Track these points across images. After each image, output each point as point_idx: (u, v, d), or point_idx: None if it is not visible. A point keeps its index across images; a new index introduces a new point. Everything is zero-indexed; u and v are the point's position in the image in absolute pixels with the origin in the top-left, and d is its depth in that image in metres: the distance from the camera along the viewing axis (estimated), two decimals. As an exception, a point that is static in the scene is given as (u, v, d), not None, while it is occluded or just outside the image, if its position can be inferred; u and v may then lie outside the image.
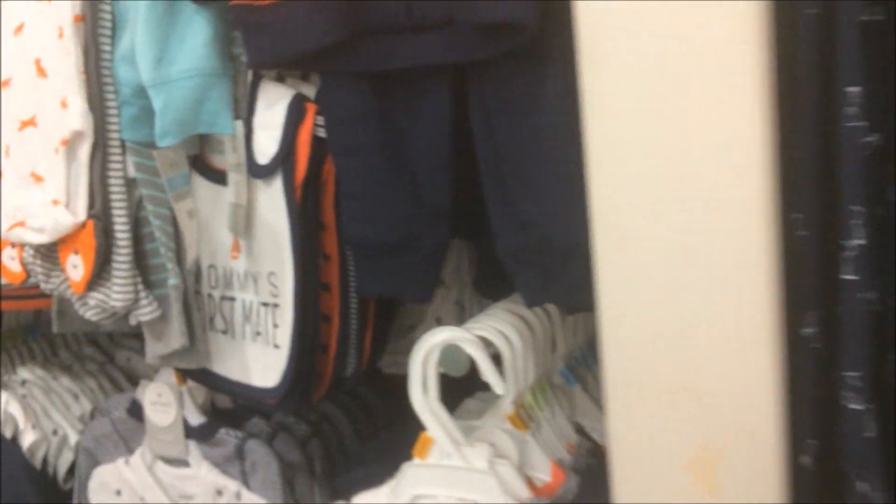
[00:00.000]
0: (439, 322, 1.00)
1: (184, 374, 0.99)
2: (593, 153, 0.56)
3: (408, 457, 0.89)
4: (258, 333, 0.88)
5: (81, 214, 0.87)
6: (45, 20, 0.87)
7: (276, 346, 0.86)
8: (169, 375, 1.08)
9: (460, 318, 1.00)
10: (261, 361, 0.88)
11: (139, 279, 0.89)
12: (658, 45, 0.53)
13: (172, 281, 0.88)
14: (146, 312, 0.89)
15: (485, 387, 0.98)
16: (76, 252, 0.89)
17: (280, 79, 0.85)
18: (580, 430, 0.90)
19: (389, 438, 0.97)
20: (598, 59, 0.55)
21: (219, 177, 0.89)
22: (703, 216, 0.53)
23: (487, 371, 0.77)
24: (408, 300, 0.87)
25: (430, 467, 0.80)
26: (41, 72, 0.89)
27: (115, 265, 0.87)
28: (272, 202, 0.82)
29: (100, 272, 0.88)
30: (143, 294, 0.89)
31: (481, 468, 0.78)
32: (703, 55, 0.52)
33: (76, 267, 0.89)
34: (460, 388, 0.94)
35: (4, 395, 1.23)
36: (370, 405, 1.16)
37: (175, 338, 0.89)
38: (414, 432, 0.96)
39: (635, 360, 0.56)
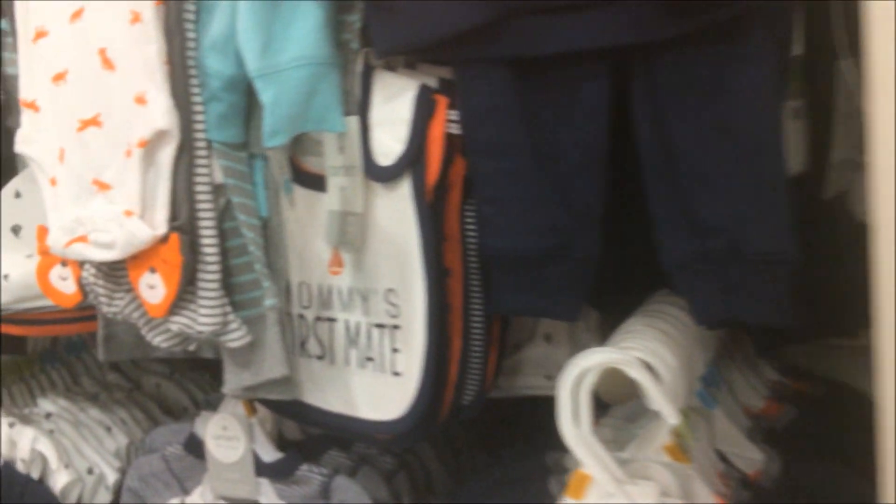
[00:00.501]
0: (549, 339, 0.90)
1: (267, 406, 0.88)
2: (880, 141, 0.47)
3: (530, 495, 0.80)
4: (369, 359, 0.77)
5: (161, 227, 0.75)
6: (113, 4, 0.75)
7: (397, 374, 0.75)
8: (235, 406, 0.97)
9: (571, 335, 0.91)
10: (372, 391, 0.77)
11: (227, 300, 0.77)
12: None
13: (269, 301, 0.77)
14: (235, 338, 0.77)
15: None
16: (153, 270, 0.77)
17: (388, 69, 0.75)
18: (722, 457, 0.82)
19: (502, 474, 0.86)
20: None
21: (314, 182, 0.78)
22: None
23: (658, 398, 0.68)
24: (554, 318, 0.77)
25: (588, 509, 0.70)
26: (107, 63, 0.77)
27: (202, 284, 0.76)
28: (395, 209, 0.72)
29: (183, 293, 0.76)
30: (231, 317, 0.77)
31: (649, 509, 0.69)
32: None
33: (154, 287, 0.77)
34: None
35: (30, 431, 1.10)
36: (456, 434, 1.05)
37: (271, 366, 0.78)
38: (529, 466, 0.87)
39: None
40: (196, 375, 1.33)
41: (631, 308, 0.83)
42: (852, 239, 0.85)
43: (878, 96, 0.46)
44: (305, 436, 1.01)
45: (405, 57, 0.76)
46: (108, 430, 1.17)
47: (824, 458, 0.85)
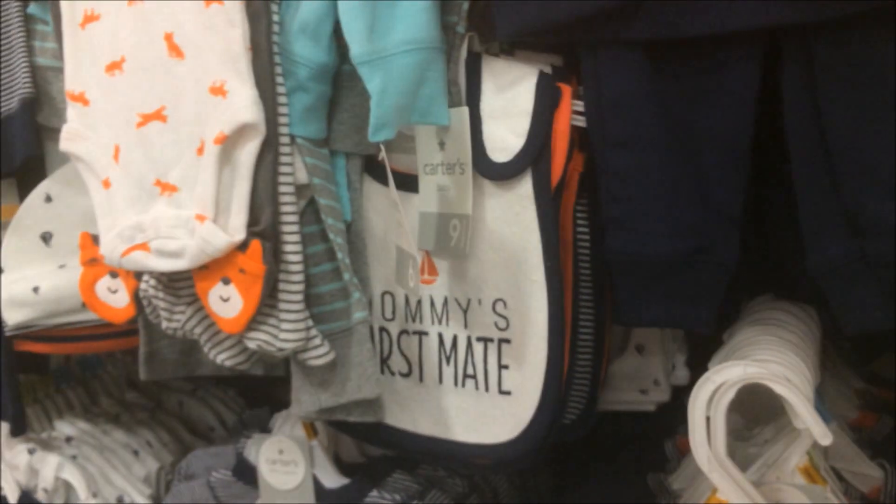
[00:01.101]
0: (641, 351, 0.84)
1: (340, 430, 0.80)
2: None
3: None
4: (469, 377, 0.70)
5: (239, 232, 0.67)
6: (182, -16, 0.68)
7: (505, 392, 0.68)
8: (293, 427, 0.89)
9: (662, 344, 0.84)
10: (472, 411, 0.70)
11: (308, 313, 0.70)
12: None
13: (359, 315, 0.70)
14: (319, 355, 0.70)
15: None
16: (227, 281, 0.69)
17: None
18: (838, 475, 0.76)
19: (599, 496, 0.80)
20: None
21: (403, 182, 0.71)
22: None
23: (809, 416, 0.62)
24: (690, 328, 0.71)
25: (727, 539, 0.64)
26: (175, 50, 0.69)
27: (284, 296, 0.68)
28: (511, 211, 0.64)
29: (261, 306, 0.68)
30: (314, 332, 0.70)
31: (794, 537, 0.63)
32: None
33: (227, 300, 0.69)
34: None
35: (54, 458, 1.00)
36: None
37: (358, 386, 0.70)
38: (626, 488, 0.81)
39: None
40: (219, 392, 1.25)
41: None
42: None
43: None
44: (365, 457, 0.93)
45: (501, 44, 0.69)
46: (136, 453, 1.08)
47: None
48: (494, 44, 0.70)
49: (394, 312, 0.74)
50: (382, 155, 0.66)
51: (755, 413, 0.80)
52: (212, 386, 1.25)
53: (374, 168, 0.72)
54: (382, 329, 0.74)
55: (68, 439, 1.07)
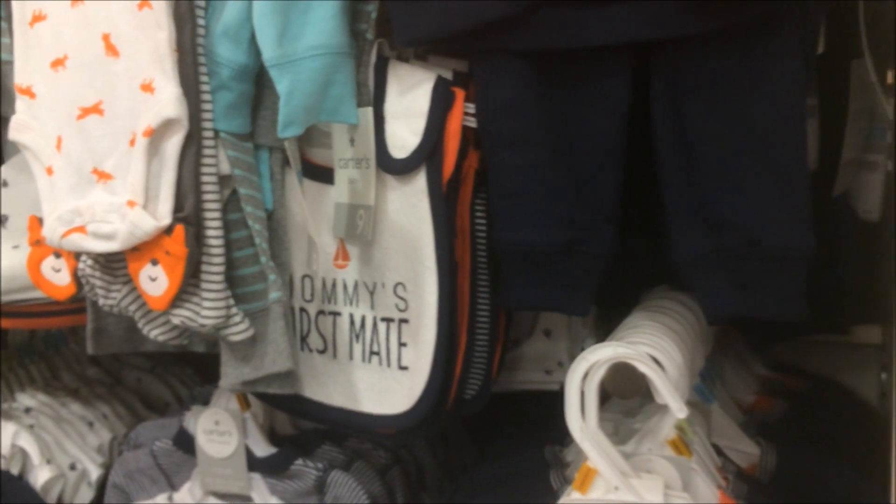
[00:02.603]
0: (548, 335, 0.91)
1: (264, 401, 0.87)
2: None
3: (531, 489, 0.80)
4: (374, 353, 0.76)
5: (165, 217, 0.74)
6: (118, -11, 0.74)
7: (404, 368, 0.74)
8: (228, 400, 0.95)
9: (569, 330, 0.91)
10: (378, 385, 0.77)
11: (230, 293, 0.76)
12: None
13: (275, 294, 0.76)
14: (238, 332, 0.76)
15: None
16: (155, 262, 0.75)
17: (402, 60, 0.74)
18: (718, 451, 0.83)
19: (499, 467, 0.87)
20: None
21: (320, 174, 0.77)
22: None
23: (666, 392, 0.68)
24: (564, 313, 0.77)
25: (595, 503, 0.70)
26: (111, 49, 0.75)
27: (205, 277, 0.75)
28: (408, 203, 0.71)
29: (185, 286, 0.75)
30: (234, 310, 0.76)
31: (656, 502, 0.69)
32: None
33: (155, 280, 0.76)
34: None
35: (11, 426, 1.07)
36: (448, 429, 1.05)
37: (274, 360, 0.77)
38: (527, 460, 0.87)
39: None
40: (178, 370, 1.32)
41: (626, 303, 0.84)
42: (852, 237, 0.88)
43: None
44: (298, 430, 1.00)
45: (416, 49, 0.75)
46: (91, 425, 1.15)
47: (816, 453, 0.87)
48: (411, 49, 0.76)
49: (312, 294, 0.80)
50: (287, 148, 0.72)
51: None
52: (170, 364, 1.31)
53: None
54: (302, 309, 0.81)
55: (27, 410, 1.14)
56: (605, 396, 0.88)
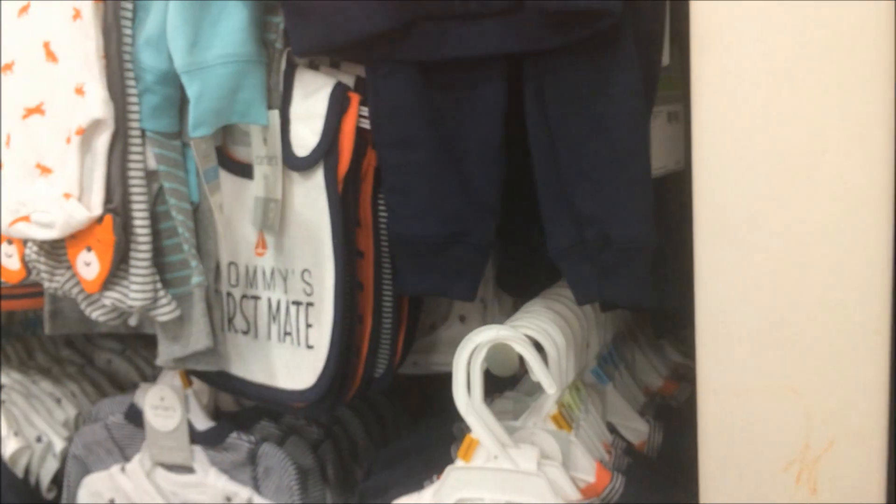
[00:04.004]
0: (463, 320, 0.98)
1: (195, 377, 0.95)
2: (701, 144, 0.55)
3: (437, 459, 0.87)
4: (287, 333, 0.84)
5: (97, 208, 0.82)
6: (57, 1, 0.82)
7: (310, 347, 0.82)
8: (172, 378, 1.03)
9: (483, 316, 0.98)
10: (290, 363, 0.84)
11: (157, 277, 0.84)
12: (775, 36, 0.51)
13: (196, 279, 0.84)
14: (165, 312, 0.84)
15: (502, 386, 0.96)
16: (89, 249, 0.83)
17: (312, 67, 0.82)
18: (612, 428, 0.89)
19: (413, 440, 0.94)
20: (712, 50, 0.53)
21: (242, 170, 0.85)
22: (814, 210, 0.52)
23: (539, 371, 0.75)
24: (452, 298, 0.84)
25: (476, 470, 0.77)
26: (51, 56, 0.83)
27: (133, 262, 0.82)
28: (310, 197, 0.78)
29: (116, 270, 0.83)
30: (161, 293, 0.84)
31: (530, 470, 0.76)
32: (823, 43, 0.51)
33: (89, 265, 0.84)
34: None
35: (-18, 401, 1.16)
36: (381, 407, 1.13)
37: (197, 339, 0.84)
38: (438, 434, 0.95)
39: (734, 356, 0.55)
40: (147, 352, 1.39)
41: (539, 292, 0.90)
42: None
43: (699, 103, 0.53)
44: (240, 407, 1.08)
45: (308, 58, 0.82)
46: (59, 401, 1.23)
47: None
48: (325, 57, 0.84)
49: (237, 280, 0.88)
50: (193, 148, 0.80)
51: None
52: (140, 347, 1.40)
53: (221, 158, 0.86)
54: (229, 294, 0.89)
55: (0, 387, 1.22)
56: (518, 375, 0.95)
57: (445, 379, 1.01)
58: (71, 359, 1.34)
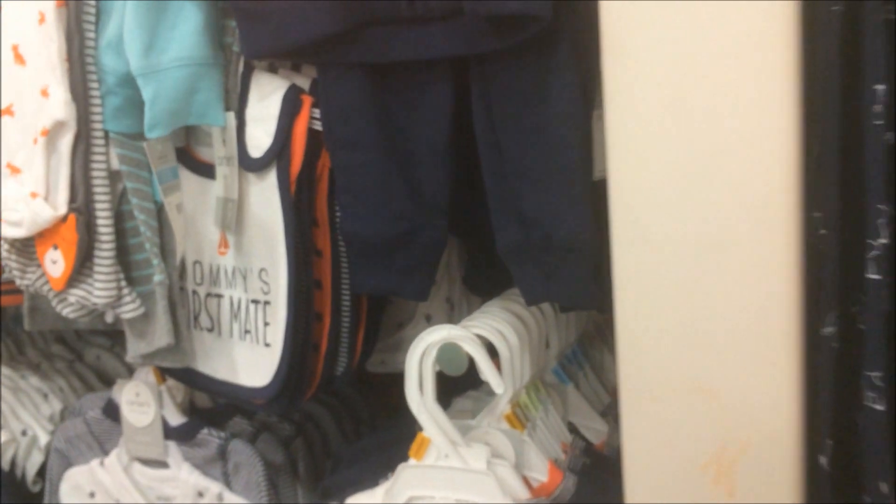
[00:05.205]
0: (429, 320, 0.99)
1: (166, 373, 0.96)
2: (614, 147, 0.55)
3: (397, 457, 0.88)
4: (247, 331, 0.85)
5: (62, 208, 0.84)
6: (25, 5, 0.84)
7: (267, 345, 0.83)
8: (147, 374, 1.05)
9: (450, 316, 0.99)
10: (250, 360, 0.85)
11: (122, 275, 0.86)
12: (683, 40, 0.52)
13: (158, 277, 0.85)
14: (129, 310, 0.86)
15: (472, 385, 0.97)
16: (55, 247, 0.85)
17: (272, 70, 0.83)
18: (573, 428, 0.90)
19: (376, 439, 0.95)
20: (622, 54, 0.54)
21: (206, 170, 0.86)
22: (724, 213, 0.52)
23: (487, 370, 0.76)
24: (404, 297, 0.85)
25: (427, 468, 0.78)
26: (19, 59, 0.85)
27: (97, 261, 0.84)
28: (265, 197, 0.80)
29: (81, 268, 0.85)
30: (125, 291, 0.86)
31: (479, 469, 0.77)
32: (729, 49, 0.51)
33: (55, 262, 0.85)
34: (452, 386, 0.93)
35: (-30, 395, 1.19)
36: (355, 405, 1.14)
37: (160, 336, 0.86)
38: (401, 432, 0.95)
39: (653, 358, 0.55)
40: (136, 349, 1.42)
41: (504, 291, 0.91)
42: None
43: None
44: (215, 404, 1.09)
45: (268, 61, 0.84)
46: (46, 396, 1.25)
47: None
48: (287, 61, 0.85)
49: (202, 278, 0.89)
50: (146, 149, 0.82)
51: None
52: (129, 343, 1.42)
53: (185, 158, 0.88)
54: (194, 292, 0.90)
55: (-12, 381, 1.25)
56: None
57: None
58: (61, 354, 1.37)
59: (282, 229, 0.79)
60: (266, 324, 0.83)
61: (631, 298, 0.55)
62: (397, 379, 1.07)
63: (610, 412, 0.95)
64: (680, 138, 0.53)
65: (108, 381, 1.36)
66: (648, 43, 0.53)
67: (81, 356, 1.38)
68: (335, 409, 1.11)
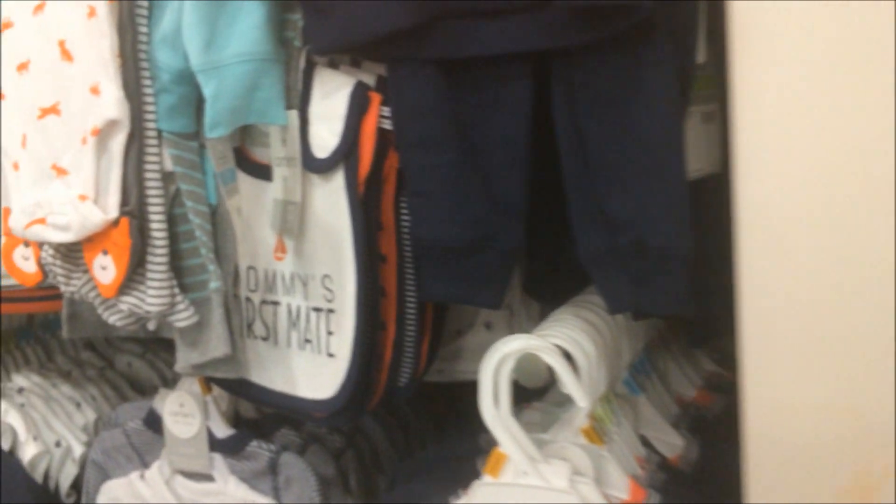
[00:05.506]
0: (489, 327, 0.94)
1: (214, 384, 0.92)
2: (742, 150, 0.51)
3: (464, 474, 0.84)
4: (308, 341, 0.81)
5: (113, 211, 0.79)
6: (72, -1, 0.80)
7: (331, 355, 0.79)
8: (191, 384, 1.01)
9: (510, 323, 0.95)
10: (310, 371, 0.81)
11: (175, 282, 0.81)
12: (818, 35, 0.48)
13: (214, 284, 0.81)
14: (183, 318, 0.82)
15: (531, 396, 0.93)
16: (105, 252, 0.81)
17: (332, 66, 0.79)
18: (645, 442, 0.86)
19: (436, 453, 0.91)
20: (754, 52, 0.49)
21: (261, 171, 0.82)
22: (866, 213, 0.48)
23: (569, 383, 0.72)
24: (477, 306, 0.81)
25: (505, 486, 0.74)
26: (66, 55, 0.81)
27: (150, 267, 0.80)
28: (330, 199, 0.76)
29: (132, 274, 0.81)
30: (178, 298, 0.81)
31: (561, 487, 0.73)
32: (869, 44, 0.47)
33: (105, 268, 0.81)
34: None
35: (2, 404, 1.14)
36: (405, 415, 1.10)
37: (215, 345, 0.82)
38: (462, 446, 0.91)
39: (783, 374, 0.51)
40: (167, 356, 1.37)
41: (568, 298, 0.87)
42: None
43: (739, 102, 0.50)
44: (260, 415, 1.05)
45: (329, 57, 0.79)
46: (78, 405, 1.22)
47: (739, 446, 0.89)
48: (345, 55, 0.81)
49: (256, 284, 0.85)
50: (210, 149, 0.77)
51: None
52: (160, 350, 1.38)
53: (239, 159, 0.84)
54: (248, 299, 0.86)
55: (20, 390, 1.21)
56: (547, 387, 0.92)
57: (471, 387, 0.98)
58: (91, 362, 1.33)
59: (349, 234, 0.75)
60: (329, 333, 0.79)
61: (758, 305, 0.51)
62: (452, 388, 1.03)
63: (681, 423, 0.91)
64: (816, 135, 0.49)
65: (140, 389, 1.32)
66: (782, 36, 0.49)
67: (112, 363, 1.35)
68: (384, 420, 1.07)
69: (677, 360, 1.00)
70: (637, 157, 0.65)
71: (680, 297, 0.67)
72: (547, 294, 0.94)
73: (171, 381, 1.34)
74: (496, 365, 0.74)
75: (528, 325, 0.96)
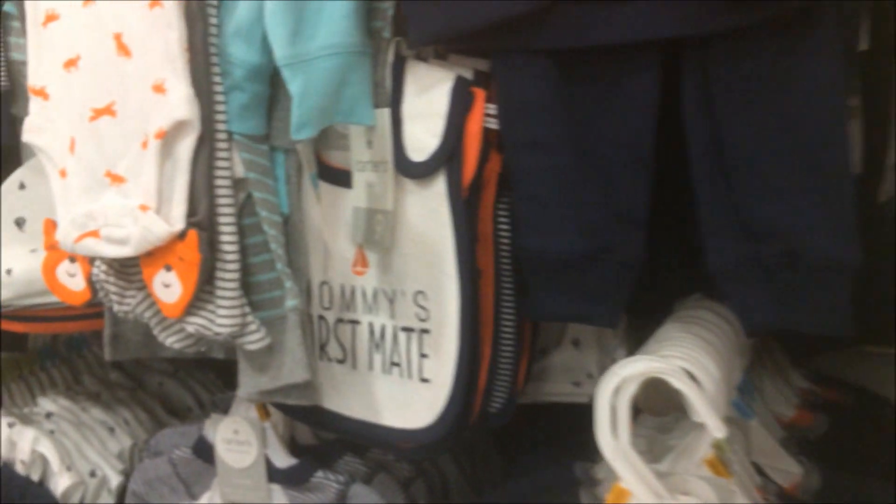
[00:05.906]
0: (577, 345, 0.87)
1: (283, 411, 0.84)
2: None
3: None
4: (395, 364, 0.73)
5: (179, 223, 0.71)
6: (130, -13, 0.72)
7: (424, 380, 0.71)
8: (248, 409, 0.93)
9: (600, 341, 0.87)
10: (398, 398, 0.73)
11: (245, 300, 0.74)
12: None
13: (291, 303, 0.73)
14: (254, 340, 0.74)
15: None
16: (169, 268, 0.73)
17: (420, 59, 0.71)
18: (758, 470, 0.79)
19: (529, 484, 0.83)
20: None
21: (338, 177, 0.74)
22: None
23: (703, 409, 0.64)
24: (593, 325, 0.74)
25: (628, 525, 0.67)
26: (123, 49, 0.73)
27: (220, 284, 0.72)
28: (427, 207, 0.68)
29: (199, 293, 0.73)
30: (250, 318, 0.74)
31: (691, 526, 0.66)
32: None
33: (169, 286, 0.73)
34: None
35: (31, 431, 1.06)
36: (474, 441, 1.02)
37: (290, 370, 0.74)
38: (556, 476, 0.84)
39: None
40: (200, 374, 1.30)
41: (658, 312, 0.80)
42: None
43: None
44: (319, 441, 0.97)
45: (436, 47, 0.72)
46: (111, 430, 1.13)
47: (861, 471, 0.82)
48: (430, 48, 0.73)
49: (331, 301, 0.77)
50: (300, 151, 0.70)
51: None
52: (192, 368, 1.30)
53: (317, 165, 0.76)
54: (321, 317, 0.78)
55: (48, 415, 1.12)
56: (635, 410, 0.84)
57: (548, 410, 0.90)
58: (120, 382, 1.25)
59: (451, 245, 0.67)
60: (423, 355, 0.71)
61: None
62: (530, 411, 0.96)
63: (789, 448, 0.84)
64: None
65: (174, 412, 1.24)
66: None
67: (142, 383, 1.26)
68: (455, 447, 0.99)
69: (772, 377, 0.93)
70: (792, 157, 0.58)
71: (839, 314, 0.60)
72: (638, 308, 0.86)
73: (205, 402, 1.26)
74: (613, 390, 0.67)
75: (615, 341, 0.89)
